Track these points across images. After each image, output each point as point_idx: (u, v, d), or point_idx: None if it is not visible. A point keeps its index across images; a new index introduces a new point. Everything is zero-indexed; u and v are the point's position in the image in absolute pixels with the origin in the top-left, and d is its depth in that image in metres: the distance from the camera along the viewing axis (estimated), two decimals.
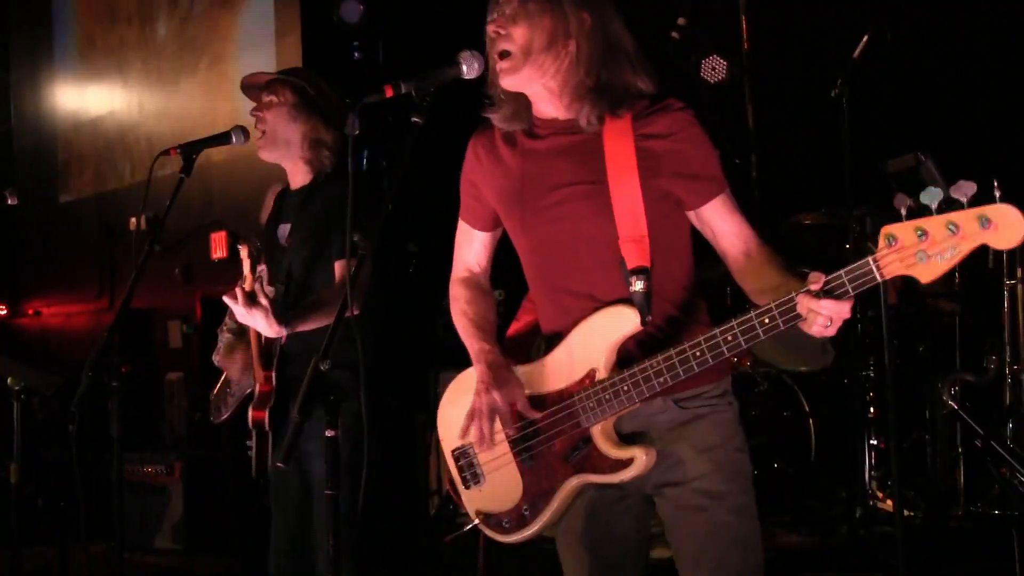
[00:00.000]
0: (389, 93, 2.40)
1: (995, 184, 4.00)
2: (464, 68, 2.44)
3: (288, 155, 3.59)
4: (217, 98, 8.27)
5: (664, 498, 2.47)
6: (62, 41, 10.40)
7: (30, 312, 10.63)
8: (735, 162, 6.32)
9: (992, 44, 5.79)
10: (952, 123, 5.79)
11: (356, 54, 7.14)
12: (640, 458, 2.36)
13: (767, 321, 2.21)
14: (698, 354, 2.28)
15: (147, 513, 6.35)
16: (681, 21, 6.50)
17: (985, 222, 1.99)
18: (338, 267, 3.40)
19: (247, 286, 3.27)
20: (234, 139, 3.53)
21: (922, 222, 2.05)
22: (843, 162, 4.30)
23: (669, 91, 2.50)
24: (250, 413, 3.52)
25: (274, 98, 3.57)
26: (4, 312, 10.79)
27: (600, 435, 2.40)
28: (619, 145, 2.39)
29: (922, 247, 2.06)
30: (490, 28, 2.45)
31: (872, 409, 5.08)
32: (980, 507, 4.76)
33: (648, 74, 2.47)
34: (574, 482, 2.44)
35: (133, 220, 8.76)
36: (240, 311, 3.21)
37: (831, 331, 2.17)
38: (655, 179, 2.39)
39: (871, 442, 4.97)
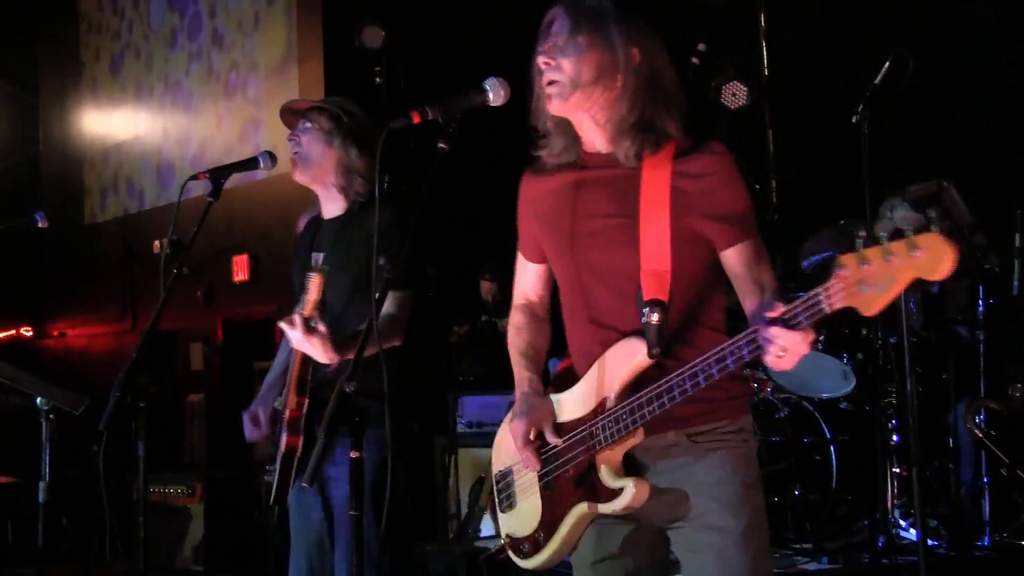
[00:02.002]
0: (416, 119, 2.43)
1: (1019, 213, 3.99)
2: (490, 95, 2.46)
3: (320, 179, 3.62)
4: (241, 123, 8.34)
5: (675, 533, 2.48)
6: (90, 66, 10.51)
7: (55, 333, 10.70)
8: (755, 188, 6.33)
9: (1015, 69, 5.79)
10: (974, 149, 5.79)
11: (377, 80, 7.19)
12: (629, 488, 2.35)
13: (733, 351, 2.22)
14: (681, 383, 2.29)
15: (169, 534, 6.38)
16: (701, 47, 6.52)
17: (913, 249, 1.93)
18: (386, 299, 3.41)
19: (307, 312, 3.26)
20: (261, 164, 3.56)
21: (866, 252, 1.99)
22: (864, 188, 4.31)
23: (689, 117, 2.51)
24: (283, 439, 3.54)
25: (310, 123, 3.61)
26: (30, 333, 10.87)
27: (603, 463, 2.41)
28: (656, 182, 2.40)
29: (862, 276, 2.00)
30: (540, 60, 2.47)
31: (895, 436, 5.05)
32: (1005, 537, 4.73)
33: (682, 112, 2.49)
34: (581, 509, 2.44)
35: (156, 243, 8.84)
36: (296, 336, 3.22)
37: (785, 363, 2.13)
38: (686, 218, 2.40)
39: (894, 470, 4.94)
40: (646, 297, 2.36)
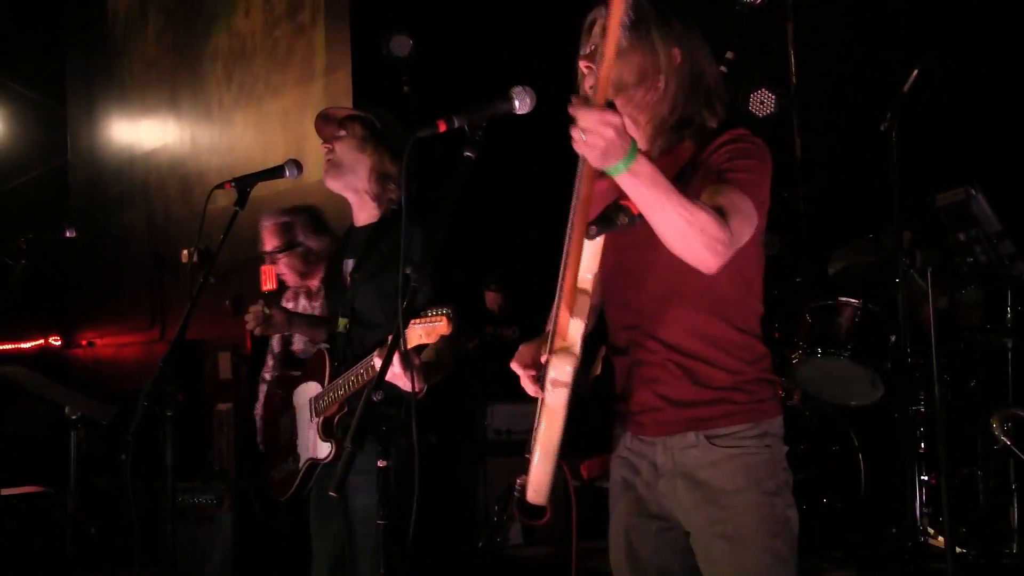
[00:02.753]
0: (442, 127, 2.43)
1: None
2: (516, 103, 2.46)
3: (352, 186, 3.63)
4: (268, 132, 8.38)
5: (693, 540, 2.48)
6: (118, 77, 10.59)
7: (83, 343, 10.78)
8: (783, 195, 6.31)
9: None
10: (1003, 157, 5.75)
11: (405, 88, 7.21)
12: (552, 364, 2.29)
13: None
14: None
15: (196, 543, 6.38)
16: (729, 55, 6.51)
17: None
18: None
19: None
20: (287, 173, 3.57)
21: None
22: (892, 196, 4.28)
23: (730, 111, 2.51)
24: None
25: (343, 131, 3.63)
26: (58, 343, 10.96)
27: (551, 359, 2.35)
28: (671, 165, 2.39)
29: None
30: (582, 63, 2.48)
31: (923, 444, 5.02)
32: None
33: (723, 106, 2.49)
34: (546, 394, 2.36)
35: (184, 252, 8.88)
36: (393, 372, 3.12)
37: (587, 148, 2.02)
38: (692, 181, 2.36)
39: (922, 477, 4.91)
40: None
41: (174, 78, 9.69)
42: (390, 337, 2.50)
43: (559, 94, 2.62)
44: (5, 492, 5.72)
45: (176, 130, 9.66)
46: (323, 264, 4.85)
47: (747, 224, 2.25)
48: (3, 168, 11.10)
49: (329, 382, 3.50)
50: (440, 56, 7.15)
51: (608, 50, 2.01)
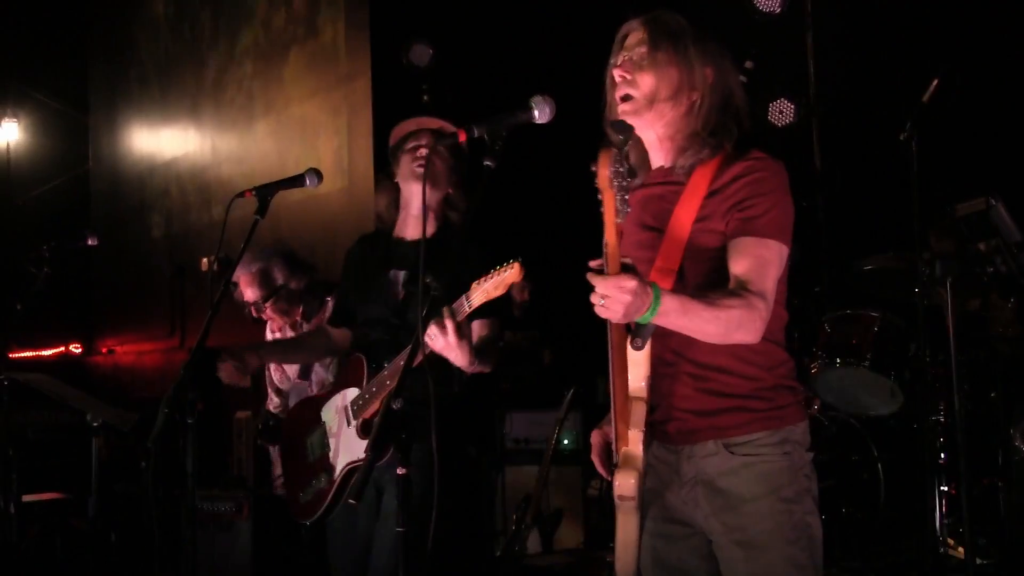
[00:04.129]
0: (462, 137, 2.45)
1: None
2: (536, 113, 2.48)
3: (429, 200, 3.64)
4: (288, 141, 8.41)
5: (714, 545, 2.49)
6: (139, 86, 10.65)
7: (104, 350, 10.83)
8: (802, 205, 6.29)
9: None
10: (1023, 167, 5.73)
11: (425, 97, 7.23)
12: (616, 479, 2.37)
13: None
14: None
15: (215, 551, 6.40)
16: (748, 65, 6.51)
17: None
18: (475, 326, 3.44)
19: (461, 318, 3.17)
20: (308, 182, 3.57)
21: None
22: (912, 205, 4.28)
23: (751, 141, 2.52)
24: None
25: (443, 149, 3.65)
26: (79, 350, 11.02)
27: (620, 458, 2.41)
28: (694, 190, 2.42)
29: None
30: (616, 72, 2.50)
31: (943, 454, 5.00)
32: None
33: (743, 128, 2.50)
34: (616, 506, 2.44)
35: (205, 261, 8.92)
36: (448, 342, 3.14)
37: (608, 311, 2.11)
38: (711, 220, 2.41)
39: (942, 488, 4.89)
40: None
41: (195, 87, 9.74)
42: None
43: (581, 102, 2.65)
44: (27, 498, 5.75)
45: (197, 139, 9.71)
46: (304, 299, 4.88)
47: (774, 269, 2.37)
48: (26, 177, 11.18)
49: (367, 383, 3.52)
50: (460, 65, 7.17)
51: (610, 236, 2.16)
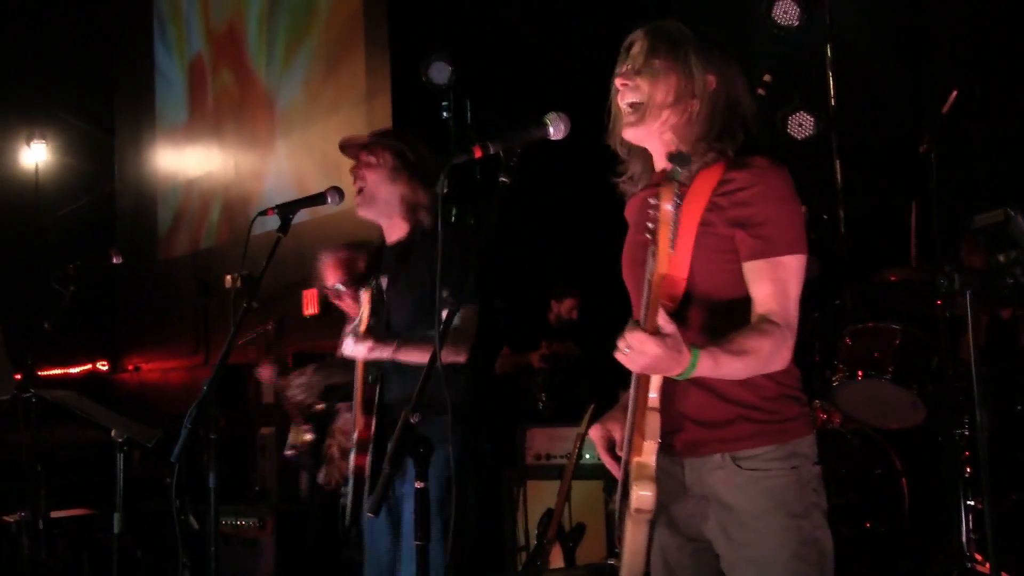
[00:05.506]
0: (478, 154, 2.47)
1: None
2: (551, 129, 2.49)
3: (385, 214, 3.71)
4: (310, 159, 8.47)
5: (722, 560, 2.48)
6: (163, 106, 10.74)
7: (130, 367, 10.91)
8: (822, 218, 6.29)
9: None
10: None
11: (445, 114, 7.28)
12: (633, 494, 2.36)
13: None
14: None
15: (240, 566, 6.44)
16: (767, 77, 6.52)
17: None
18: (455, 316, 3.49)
19: (363, 328, 3.41)
20: (329, 200, 3.60)
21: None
22: (931, 217, 4.27)
23: (756, 148, 2.53)
24: (351, 459, 3.59)
25: (374, 159, 3.69)
26: (105, 367, 11.09)
27: (632, 468, 2.40)
28: (697, 196, 2.42)
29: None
30: (618, 81, 2.52)
31: (968, 468, 4.97)
32: None
33: (749, 135, 2.51)
34: (627, 518, 2.42)
35: (228, 277, 8.98)
36: (358, 348, 3.43)
37: (629, 361, 2.18)
38: (716, 228, 2.40)
39: (967, 502, 4.85)
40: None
41: (217, 106, 9.82)
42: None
43: (600, 118, 2.67)
44: (55, 514, 5.80)
45: (220, 157, 9.78)
46: None
47: (795, 287, 2.40)
48: (53, 196, 11.30)
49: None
50: (479, 82, 7.21)
51: (662, 268, 2.18)
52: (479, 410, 3.63)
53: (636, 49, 2.53)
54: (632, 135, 2.53)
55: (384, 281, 3.71)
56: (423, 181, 3.67)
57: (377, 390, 3.58)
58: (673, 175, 2.10)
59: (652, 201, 2.13)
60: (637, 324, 2.17)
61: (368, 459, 3.55)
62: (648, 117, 2.48)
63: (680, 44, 2.49)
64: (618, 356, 2.17)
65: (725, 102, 2.50)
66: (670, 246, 2.14)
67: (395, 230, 3.77)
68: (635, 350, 2.14)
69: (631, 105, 2.50)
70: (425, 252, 3.59)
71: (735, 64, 2.55)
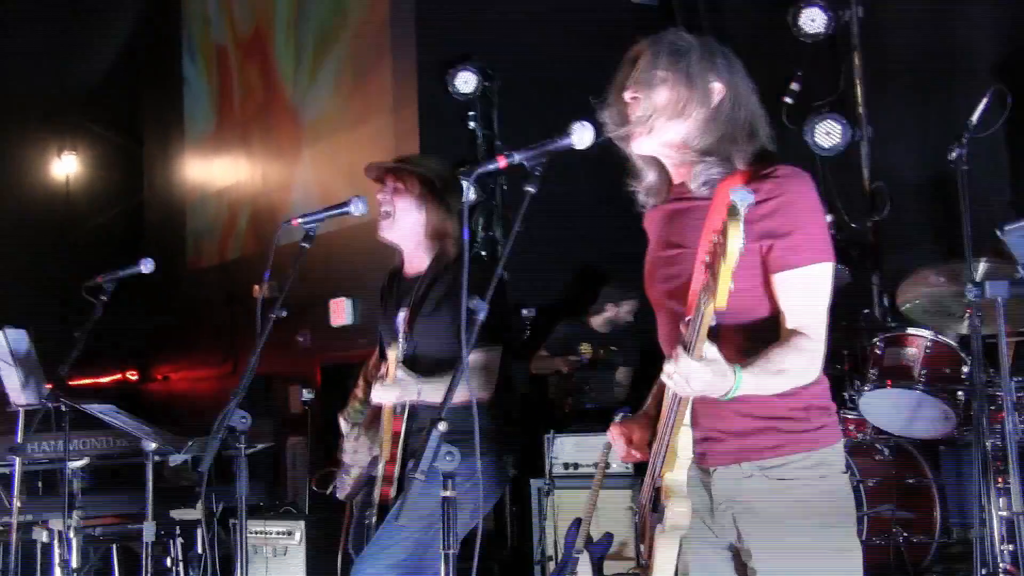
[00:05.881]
0: (503, 164, 2.47)
1: None
2: (575, 139, 2.49)
3: (409, 239, 3.69)
4: (337, 169, 8.49)
5: (751, 570, 2.47)
6: (192, 117, 10.81)
7: (159, 377, 10.97)
8: (851, 226, 6.27)
9: None
10: None
11: (471, 125, 7.29)
12: (668, 509, 2.38)
13: None
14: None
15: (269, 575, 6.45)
16: (794, 86, 6.51)
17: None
18: (472, 357, 3.43)
19: (390, 380, 3.48)
20: (353, 210, 3.60)
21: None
22: (961, 225, 4.24)
23: (782, 156, 2.51)
24: (377, 490, 3.60)
25: (401, 185, 3.67)
26: (135, 377, 11.16)
27: (665, 483, 2.41)
28: (721, 208, 2.40)
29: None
30: (626, 94, 2.51)
31: (999, 479, 4.93)
32: None
33: (761, 143, 2.50)
34: (659, 533, 2.43)
35: (256, 288, 9.00)
36: (383, 395, 3.48)
37: (675, 385, 2.21)
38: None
39: (1000, 513, 4.81)
40: (687, 315, 2.35)
41: (244, 114, 9.87)
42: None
43: None
44: (86, 523, 5.83)
45: (247, 168, 9.83)
46: None
47: (824, 296, 2.39)
48: (83, 207, 11.38)
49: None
50: (505, 93, 7.22)
51: (720, 303, 2.12)
52: (502, 435, 3.60)
53: (638, 61, 2.52)
54: (638, 147, 2.52)
55: (402, 315, 3.67)
56: (450, 210, 3.66)
57: (404, 422, 3.58)
58: (737, 210, 2.07)
59: (716, 239, 2.10)
60: (685, 350, 2.19)
61: (392, 491, 3.56)
62: (655, 128, 2.47)
63: (683, 53, 2.48)
64: (666, 380, 2.21)
65: (731, 110, 2.48)
66: (730, 283, 2.10)
67: (417, 259, 3.73)
68: (682, 376, 2.18)
69: (637, 118, 2.49)
70: (450, 286, 3.56)
71: (742, 71, 2.53)
